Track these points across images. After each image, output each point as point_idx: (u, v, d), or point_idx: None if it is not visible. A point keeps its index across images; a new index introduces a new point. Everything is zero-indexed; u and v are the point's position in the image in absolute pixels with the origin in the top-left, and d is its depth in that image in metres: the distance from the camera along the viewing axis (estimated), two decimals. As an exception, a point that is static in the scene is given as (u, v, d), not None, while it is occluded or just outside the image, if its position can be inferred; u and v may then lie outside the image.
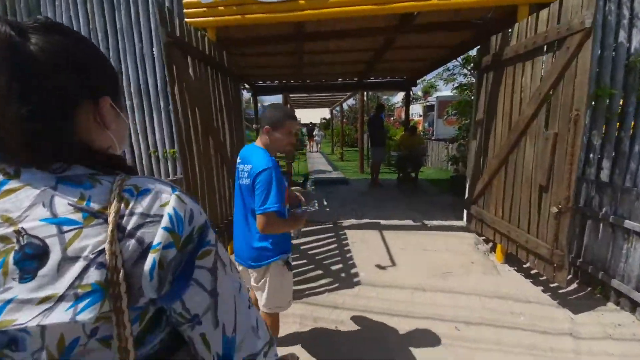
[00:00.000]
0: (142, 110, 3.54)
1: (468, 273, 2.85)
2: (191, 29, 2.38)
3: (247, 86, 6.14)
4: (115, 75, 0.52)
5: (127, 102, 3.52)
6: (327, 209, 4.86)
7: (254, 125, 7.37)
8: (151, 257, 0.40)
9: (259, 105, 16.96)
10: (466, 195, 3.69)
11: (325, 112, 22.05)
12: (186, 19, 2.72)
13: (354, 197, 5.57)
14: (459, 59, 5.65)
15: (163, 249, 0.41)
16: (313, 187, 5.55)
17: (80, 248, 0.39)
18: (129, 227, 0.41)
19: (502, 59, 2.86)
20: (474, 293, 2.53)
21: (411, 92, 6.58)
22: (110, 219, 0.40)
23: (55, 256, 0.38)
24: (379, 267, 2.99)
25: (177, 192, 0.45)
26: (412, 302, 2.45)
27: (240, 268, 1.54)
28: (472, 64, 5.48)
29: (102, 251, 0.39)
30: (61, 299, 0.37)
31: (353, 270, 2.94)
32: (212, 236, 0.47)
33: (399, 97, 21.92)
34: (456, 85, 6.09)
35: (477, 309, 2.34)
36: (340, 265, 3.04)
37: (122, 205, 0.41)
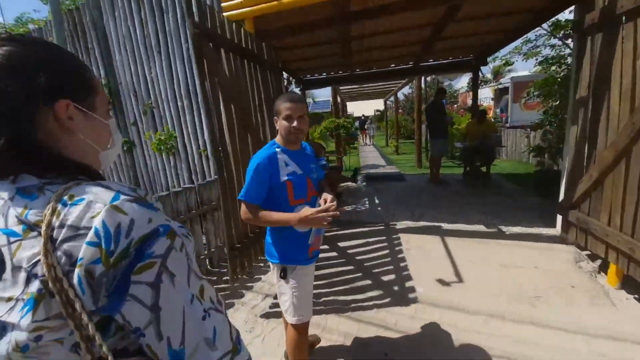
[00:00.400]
0: (192, 111, 3.62)
1: (568, 300, 2.18)
2: (224, 19, 2.22)
3: (292, 80, 5.98)
4: (80, 74, 0.50)
5: (179, 104, 3.64)
6: (379, 208, 4.42)
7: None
8: (76, 272, 0.40)
9: (308, 100, 16.97)
10: (561, 196, 2.91)
11: (379, 104, 21.09)
12: (224, 13, 2.60)
13: (410, 194, 5.00)
14: (544, 25, 4.57)
15: (88, 264, 0.40)
16: (364, 184, 5.19)
17: (20, 259, 0.41)
18: (58, 240, 0.41)
19: (615, 14, 2.09)
20: (578, 330, 1.88)
21: (480, 73, 5.61)
22: (42, 231, 0.40)
23: (8, 264, 0.41)
24: (442, 282, 2.50)
25: (116, 202, 0.42)
26: (488, 333, 1.93)
27: None
28: (563, 30, 4.36)
29: (37, 263, 0.40)
30: (17, 301, 0.40)
31: (408, 284, 2.51)
32: (160, 246, 0.43)
33: (462, 81, 19.70)
34: (540, 59, 4.98)
35: (584, 353, 1.73)
36: (393, 276, 2.64)
37: (55, 217, 0.41)
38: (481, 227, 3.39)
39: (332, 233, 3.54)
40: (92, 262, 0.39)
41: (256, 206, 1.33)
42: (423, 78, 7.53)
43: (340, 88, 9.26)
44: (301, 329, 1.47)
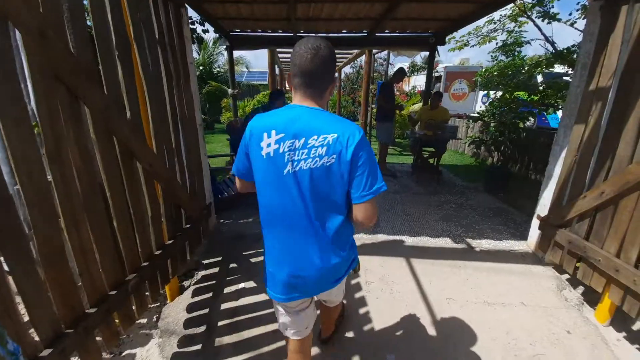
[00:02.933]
0: None
1: (568, 353, 1.65)
2: None
3: (201, 29, 4.41)
4: None
5: None
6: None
7: (230, 91, 5.75)
8: None
9: (242, 69, 14.79)
10: (540, 207, 2.43)
11: (319, 81, 19.92)
12: None
13: (359, 190, 4.24)
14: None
15: None
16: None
17: None
18: None
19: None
20: None
21: (436, 54, 5.04)
22: None
23: None
24: (420, 340, 1.74)
25: None
26: None
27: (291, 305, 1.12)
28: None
29: None
30: None
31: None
32: None
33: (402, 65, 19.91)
34: (499, 44, 4.60)
35: None
36: (351, 334, 1.78)
37: None
38: (448, 242, 2.78)
39: (248, 252, 2.50)
40: None
41: None
42: (373, 55, 6.72)
43: (280, 55, 7.85)
44: None
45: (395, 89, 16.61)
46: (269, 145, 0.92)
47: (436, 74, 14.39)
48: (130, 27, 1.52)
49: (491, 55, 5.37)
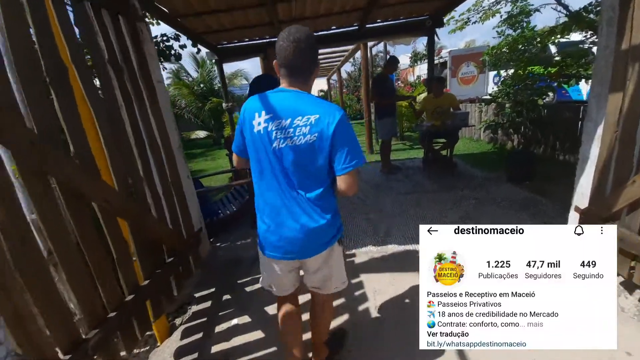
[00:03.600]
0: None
1: None
2: None
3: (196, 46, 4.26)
4: None
5: None
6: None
7: (225, 104, 5.62)
8: None
9: (241, 81, 14.80)
10: (577, 197, 2.04)
11: (322, 84, 19.80)
12: None
13: (367, 194, 3.92)
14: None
15: None
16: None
17: None
18: None
19: None
20: None
21: (435, 37, 4.66)
22: None
23: None
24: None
25: None
26: None
27: (280, 265, 1.23)
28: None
29: None
30: None
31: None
32: None
33: (403, 58, 19.36)
34: (504, 16, 4.18)
35: None
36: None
37: None
38: (470, 246, 2.43)
39: (244, 279, 2.25)
40: None
41: None
42: (369, 48, 6.40)
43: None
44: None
45: (399, 81, 16.04)
46: (259, 123, 1.05)
47: (441, 60, 13.79)
48: (66, 47, 1.33)
49: (497, 31, 4.94)
